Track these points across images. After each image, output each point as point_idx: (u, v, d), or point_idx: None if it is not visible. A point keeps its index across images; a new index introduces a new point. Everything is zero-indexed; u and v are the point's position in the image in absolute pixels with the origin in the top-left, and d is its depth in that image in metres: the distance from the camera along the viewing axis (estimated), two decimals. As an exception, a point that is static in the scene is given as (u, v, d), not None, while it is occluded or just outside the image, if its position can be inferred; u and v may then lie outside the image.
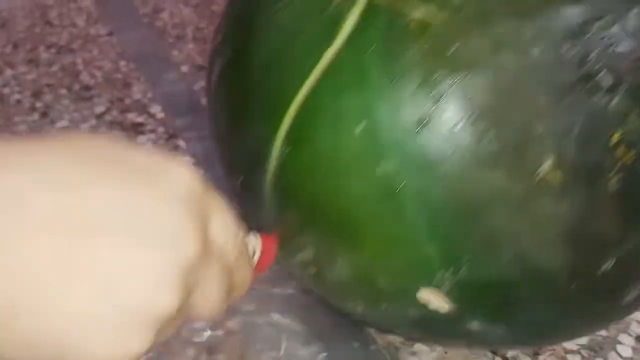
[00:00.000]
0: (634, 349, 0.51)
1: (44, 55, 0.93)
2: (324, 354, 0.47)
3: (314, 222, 0.37)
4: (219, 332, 0.49)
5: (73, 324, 0.22)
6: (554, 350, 0.51)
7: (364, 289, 0.39)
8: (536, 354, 0.51)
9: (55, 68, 0.89)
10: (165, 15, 1.01)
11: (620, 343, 0.51)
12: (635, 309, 0.41)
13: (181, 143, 0.73)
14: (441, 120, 0.31)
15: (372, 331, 0.49)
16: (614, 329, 0.52)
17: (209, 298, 0.26)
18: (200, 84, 0.83)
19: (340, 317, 0.49)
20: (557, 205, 0.31)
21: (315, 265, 0.40)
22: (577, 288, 0.35)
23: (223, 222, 0.27)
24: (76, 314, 0.22)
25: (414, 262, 0.35)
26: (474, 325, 0.38)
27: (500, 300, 0.36)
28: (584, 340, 0.51)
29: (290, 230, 0.38)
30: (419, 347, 0.48)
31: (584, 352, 0.51)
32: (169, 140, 0.74)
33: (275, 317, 0.50)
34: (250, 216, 0.38)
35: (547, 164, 0.30)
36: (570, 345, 0.51)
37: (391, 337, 0.48)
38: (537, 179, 0.31)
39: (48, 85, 0.85)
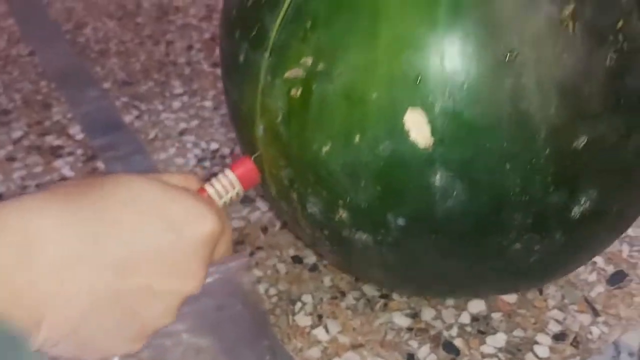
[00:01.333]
0: (551, 348, 0.50)
1: (-37, 79, 0.90)
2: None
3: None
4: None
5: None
6: (471, 355, 0.50)
7: (351, 108, 0.37)
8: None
9: (-27, 93, 0.87)
10: (88, 30, 0.99)
11: (537, 343, 0.51)
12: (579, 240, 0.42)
13: (100, 165, 0.71)
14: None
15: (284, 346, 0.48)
16: (531, 329, 0.51)
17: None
18: (122, 100, 0.81)
19: (249, 332, 0.48)
20: (564, 49, 0.35)
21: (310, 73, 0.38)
22: (548, 154, 0.36)
23: (226, 241, 0.38)
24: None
25: (414, 68, 0.35)
26: (439, 179, 0.36)
27: (472, 151, 0.36)
28: (501, 342, 0.51)
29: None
30: None
31: (502, 356, 0.50)
32: (88, 162, 0.72)
33: (185, 336, 0.49)
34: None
35: (569, 9, 0.35)
36: (488, 349, 0.51)
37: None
38: (559, 18, 0.34)
39: (-34, 112, 0.82)
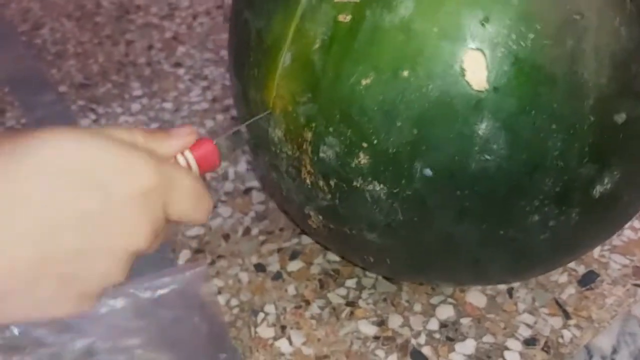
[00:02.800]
0: (521, 354, 0.49)
1: None
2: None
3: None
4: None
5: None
6: (443, 361, 0.49)
7: (407, 40, 0.36)
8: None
9: None
10: (45, 31, 0.95)
11: (507, 349, 0.49)
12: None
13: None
14: None
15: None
16: (501, 334, 0.50)
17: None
18: (79, 103, 0.78)
19: (207, 346, 0.46)
20: (622, 24, 0.36)
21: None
22: (591, 123, 0.36)
23: (188, 196, 0.35)
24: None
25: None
26: (484, 128, 0.36)
27: (523, 104, 0.36)
28: (470, 349, 0.49)
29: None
30: None
31: (472, 362, 0.49)
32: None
33: (139, 352, 0.47)
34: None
35: None
36: (457, 357, 0.49)
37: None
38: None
39: None
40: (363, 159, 0.39)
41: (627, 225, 0.57)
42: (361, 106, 0.37)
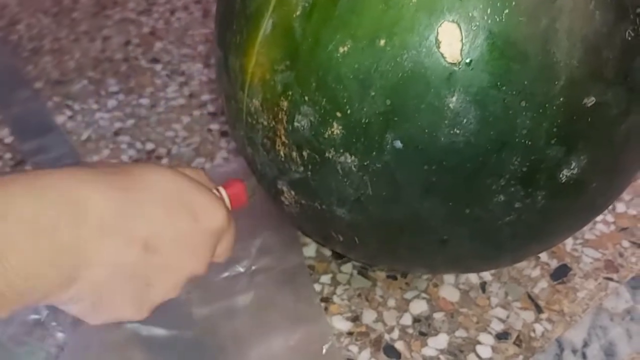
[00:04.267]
0: (493, 348, 0.49)
1: None
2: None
3: None
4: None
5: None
6: (413, 358, 0.49)
7: (386, 8, 0.36)
8: None
9: None
10: (21, 27, 0.94)
11: (480, 343, 0.49)
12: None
13: (29, 169, 0.68)
14: None
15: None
16: (474, 328, 0.50)
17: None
18: (55, 99, 0.78)
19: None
20: (596, 8, 0.36)
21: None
22: (560, 103, 0.37)
23: (228, 240, 0.44)
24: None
25: None
26: (455, 101, 0.36)
27: (495, 79, 0.36)
28: (443, 344, 0.50)
29: None
30: None
31: (444, 357, 0.49)
32: (16, 166, 0.68)
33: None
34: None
35: None
36: (429, 351, 0.49)
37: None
38: None
39: None
40: (336, 129, 0.39)
41: (599, 219, 0.58)
42: (337, 74, 0.38)
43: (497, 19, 0.35)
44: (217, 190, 0.46)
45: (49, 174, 0.35)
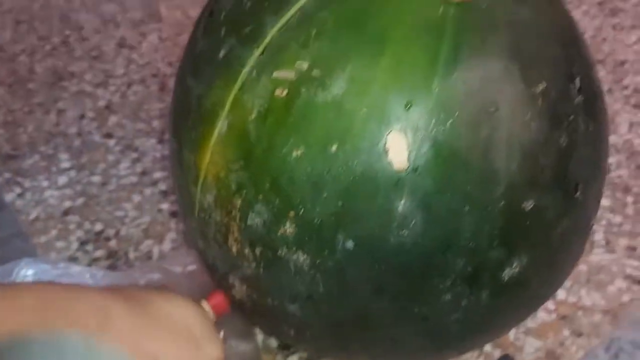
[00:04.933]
0: None
1: None
2: None
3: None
4: None
5: None
6: None
7: (337, 117, 0.38)
8: None
9: None
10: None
11: None
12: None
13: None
14: None
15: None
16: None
17: None
18: (6, 175, 0.77)
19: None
20: (533, 119, 0.39)
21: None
22: (502, 207, 0.39)
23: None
24: None
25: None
26: (402, 205, 0.38)
27: (440, 185, 0.38)
28: None
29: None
30: None
31: None
32: None
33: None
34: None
35: (541, 87, 0.39)
36: None
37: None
38: (533, 92, 0.39)
39: None
40: (289, 228, 0.40)
41: (541, 307, 0.59)
42: (290, 176, 0.39)
43: (442, 129, 0.37)
44: (202, 304, 0.48)
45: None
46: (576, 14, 0.96)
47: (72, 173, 0.78)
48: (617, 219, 0.66)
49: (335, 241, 0.39)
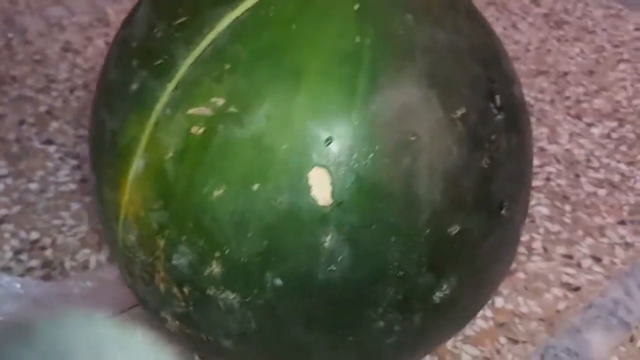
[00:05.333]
0: None
1: None
2: None
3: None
4: None
5: None
6: None
7: (256, 155, 0.37)
8: None
9: None
10: None
11: None
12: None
13: None
14: None
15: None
16: None
17: None
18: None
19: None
20: (453, 143, 0.39)
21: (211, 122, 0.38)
22: (427, 235, 0.39)
23: None
24: None
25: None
26: (329, 240, 0.37)
27: (365, 219, 0.38)
28: None
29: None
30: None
31: None
32: None
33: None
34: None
35: (461, 111, 0.39)
36: None
37: None
38: (452, 117, 0.39)
39: None
40: (216, 268, 0.39)
41: (479, 315, 0.60)
42: (213, 216, 0.38)
43: (363, 163, 0.37)
44: None
45: None
46: (522, 26, 0.97)
47: (9, 180, 0.76)
48: (555, 227, 0.67)
49: (263, 279, 0.39)
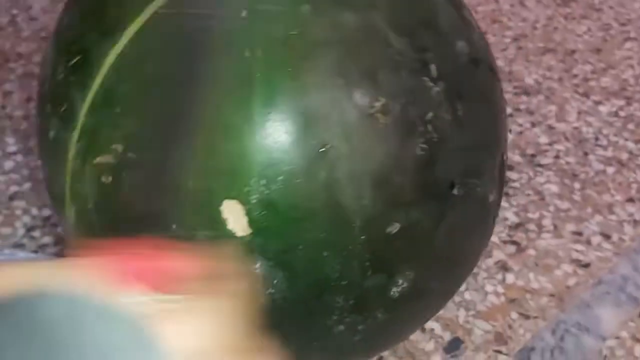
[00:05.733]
0: None
1: None
2: None
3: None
4: None
5: None
6: None
7: (165, 197, 0.36)
8: None
9: None
10: None
11: None
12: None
13: None
14: None
15: None
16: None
17: None
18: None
19: None
20: (376, 142, 0.36)
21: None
22: (364, 241, 0.37)
23: None
24: None
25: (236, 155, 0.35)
26: (259, 268, 0.36)
27: (289, 241, 0.36)
28: None
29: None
30: None
31: None
32: None
33: None
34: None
35: (379, 104, 0.36)
36: None
37: None
38: (370, 112, 0.36)
39: None
40: None
41: (490, 290, 0.60)
42: None
43: (274, 187, 0.35)
44: None
45: None
46: (530, 3, 0.96)
47: (19, 157, 0.76)
48: (565, 204, 0.67)
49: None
